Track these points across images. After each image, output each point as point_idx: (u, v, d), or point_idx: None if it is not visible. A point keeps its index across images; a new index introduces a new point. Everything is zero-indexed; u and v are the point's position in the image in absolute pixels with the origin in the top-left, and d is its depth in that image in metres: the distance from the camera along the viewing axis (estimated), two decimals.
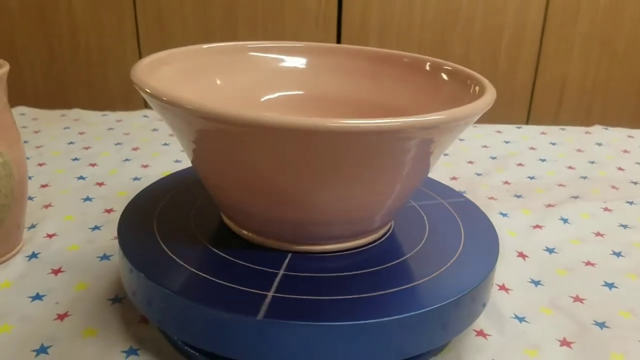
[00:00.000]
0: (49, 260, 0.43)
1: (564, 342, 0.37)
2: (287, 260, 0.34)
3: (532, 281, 0.43)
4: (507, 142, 0.70)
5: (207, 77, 0.41)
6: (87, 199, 0.52)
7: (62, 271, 0.42)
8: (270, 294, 0.31)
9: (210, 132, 0.29)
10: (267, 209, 0.32)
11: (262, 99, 0.44)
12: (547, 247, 0.47)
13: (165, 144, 0.65)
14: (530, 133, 0.73)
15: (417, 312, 0.30)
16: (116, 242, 0.46)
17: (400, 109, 0.42)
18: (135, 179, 0.57)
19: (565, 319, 0.39)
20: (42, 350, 0.34)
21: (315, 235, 0.34)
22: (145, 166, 0.59)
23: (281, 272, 0.33)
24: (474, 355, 0.35)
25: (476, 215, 0.41)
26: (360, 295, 0.31)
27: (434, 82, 0.40)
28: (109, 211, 0.50)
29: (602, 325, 0.38)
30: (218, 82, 0.41)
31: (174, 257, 0.34)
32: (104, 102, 1.28)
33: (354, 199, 0.31)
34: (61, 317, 0.37)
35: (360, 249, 0.35)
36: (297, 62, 0.45)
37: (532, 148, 0.68)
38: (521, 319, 0.39)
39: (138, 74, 0.32)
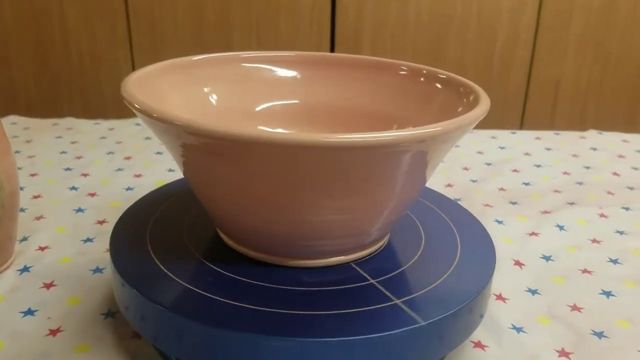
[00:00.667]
0: (40, 274, 0.42)
1: (562, 353, 0.36)
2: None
3: (529, 290, 0.43)
4: (502, 148, 0.70)
5: (200, 89, 0.40)
6: (79, 210, 0.52)
7: (54, 285, 0.41)
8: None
9: (200, 148, 0.28)
10: (261, 223, 0.32)
11: (257, 109, 0.43)
12: (543, 255, 0.47)
13: (158, 153, 0.65)
14: (525, 138, 0.73)
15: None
16: (108, 254, 0.45)
17: (395, 118, 0.42)
18: (128, 189, 0.56)
19: (563, 328, 0.39)
20: None
21: (309, 250, 0.33)
22: (138, 176, 0.59)
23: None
24: None
25: (472, 224, 0.40)
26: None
27: (429, 90, 0.40)
28: (101, 222, 0.50)
29: (600, 335, 0.38)
30: (211, 93, 0.41)
31: (167, 272, 0.33)
32: (96, 108, 1.27)
33: (349, 213, 0.31)
34: (53, 332, 0.37)
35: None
36: (292, 71, 0.44)
37: (527, 154, 0.68)
38: (519, 330, 0.38)
39: (128, 89, 0.31)
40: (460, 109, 0.35)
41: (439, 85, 0.39)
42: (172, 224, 0.38)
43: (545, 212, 0.54)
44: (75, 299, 0.40)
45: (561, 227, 0.51)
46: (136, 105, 0.29)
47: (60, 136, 0.69)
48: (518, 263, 0.46)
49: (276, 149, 0.26)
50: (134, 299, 0.32)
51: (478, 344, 0.37)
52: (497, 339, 0.37)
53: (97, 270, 0.43)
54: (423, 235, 0.38)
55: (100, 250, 0.46)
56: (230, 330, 0.29)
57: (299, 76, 0.44)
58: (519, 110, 1.29)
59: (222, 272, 0.33)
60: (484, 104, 0.33)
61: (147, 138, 0.69)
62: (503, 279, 0.44)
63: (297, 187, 0.29)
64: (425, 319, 0.30)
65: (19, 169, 0.60)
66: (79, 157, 0.63)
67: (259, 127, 0.42)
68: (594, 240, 0.50)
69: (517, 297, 0.42)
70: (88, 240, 0.47)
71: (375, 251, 0.36)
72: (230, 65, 0.43)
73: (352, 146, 0.26)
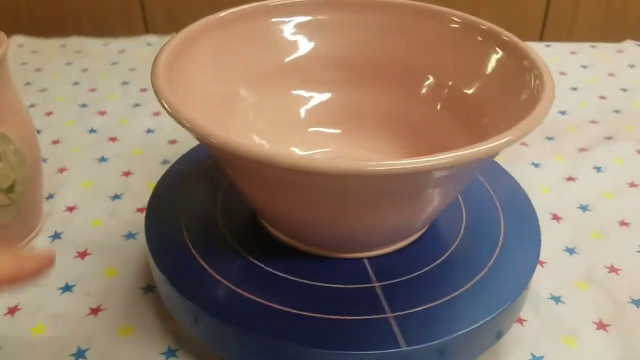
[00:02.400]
0: (73, 241, 0.42)
1: (600, 325, 0.36)
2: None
3: (567, 249, 0.42)
4: None
5: (231, 50, 0.37)
6: (102, 159, 0.50)
7: (88, 254, 0.41)
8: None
9: (244, 167, 0.26)
10: (305, 225, 0.31)
11: (287, 59, 0.40)
12: (580, 205, 0.46)
13: None
14: (560, 53, 0.69)
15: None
16: (139, 216, 0.44)
17: (435, 74, 0.39)
18: (149, 131, 0.54)
19: (600, 295, 0.38)
20: (80, 354, 0.34)
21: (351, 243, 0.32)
22: (157, 114, 0.56)
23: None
24: (511, 349, 0.35)
25: (512, 189, 0.39)
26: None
27: (483, 51, 0.36)
28: (126, 174, 0.49)
29: (638, 303, 0.38)
30: (240, 56, 0.38)
31: (209, 269, 0.32)
32: (102, 23, 1.20)
33: (400, 219, 0.30)
34: (94, 311, 0.37)
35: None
36: (324, 19, 0.41)
37: (562, 73, 0.65)
38: (557, 300, 0.38)
39: (160, 83, 0.29)
40: (524, 95, 0.31)
41: (498, 50, 0.35)
42: (205, 208, 0.37)
43: (582, 149, 0.52)
44: (112, 270, 0.40)
45: (598, 169, 0.50)
46: (169, 110, 0.27)
47: (70, 62, 0.65)
48: (556, 217, 0.45)
49: (330, 179, 0.24)
50: (175, 298, 0.32)
51: (517, 319, 0.37)
52: (535, 310, 0.37)
53: (130, 235, 0.42)
54: (464, 213, 0.37)
55: (130, 211, 0.45)
56: (279, 340, 0.28)
57: (332, 23, 0.41)
58: (541, 11, 1.21)
59: (269, 269, 0.32)
60: (550, 90, 0.29)
61: None
62: (541, 239, 0.43)
63: (343, 208, 0.27)
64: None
65: (32, 106, 0.57)
66: (92, 90, 0.60)
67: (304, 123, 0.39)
68: (632, 184, 0.48)
69: (555, 258, 0.41)
70: (116, 197, 0.46)
71: (415, 240, 0.35)
72: (259, 18, 0.39)
73: (407, 172, 0.24)
